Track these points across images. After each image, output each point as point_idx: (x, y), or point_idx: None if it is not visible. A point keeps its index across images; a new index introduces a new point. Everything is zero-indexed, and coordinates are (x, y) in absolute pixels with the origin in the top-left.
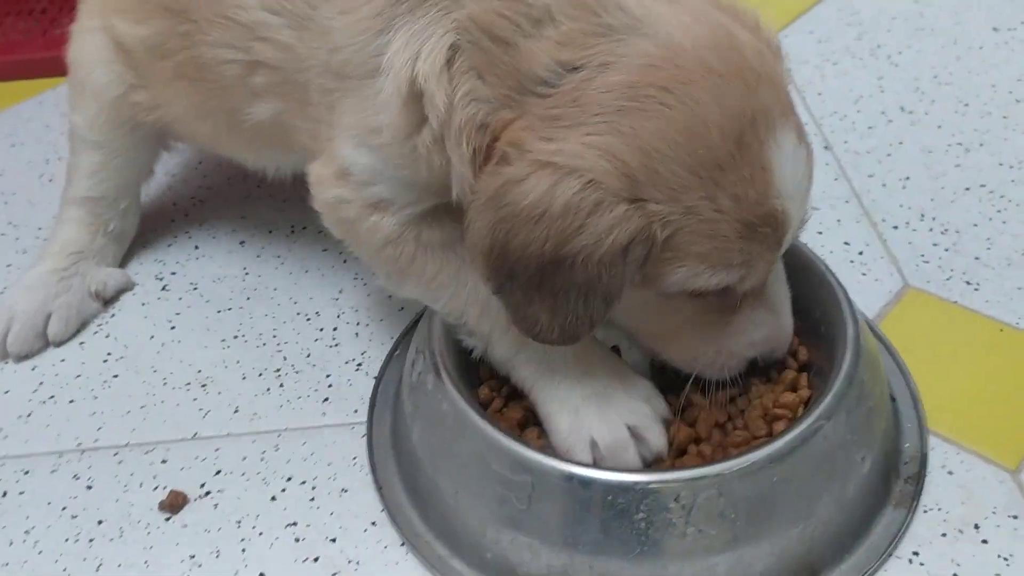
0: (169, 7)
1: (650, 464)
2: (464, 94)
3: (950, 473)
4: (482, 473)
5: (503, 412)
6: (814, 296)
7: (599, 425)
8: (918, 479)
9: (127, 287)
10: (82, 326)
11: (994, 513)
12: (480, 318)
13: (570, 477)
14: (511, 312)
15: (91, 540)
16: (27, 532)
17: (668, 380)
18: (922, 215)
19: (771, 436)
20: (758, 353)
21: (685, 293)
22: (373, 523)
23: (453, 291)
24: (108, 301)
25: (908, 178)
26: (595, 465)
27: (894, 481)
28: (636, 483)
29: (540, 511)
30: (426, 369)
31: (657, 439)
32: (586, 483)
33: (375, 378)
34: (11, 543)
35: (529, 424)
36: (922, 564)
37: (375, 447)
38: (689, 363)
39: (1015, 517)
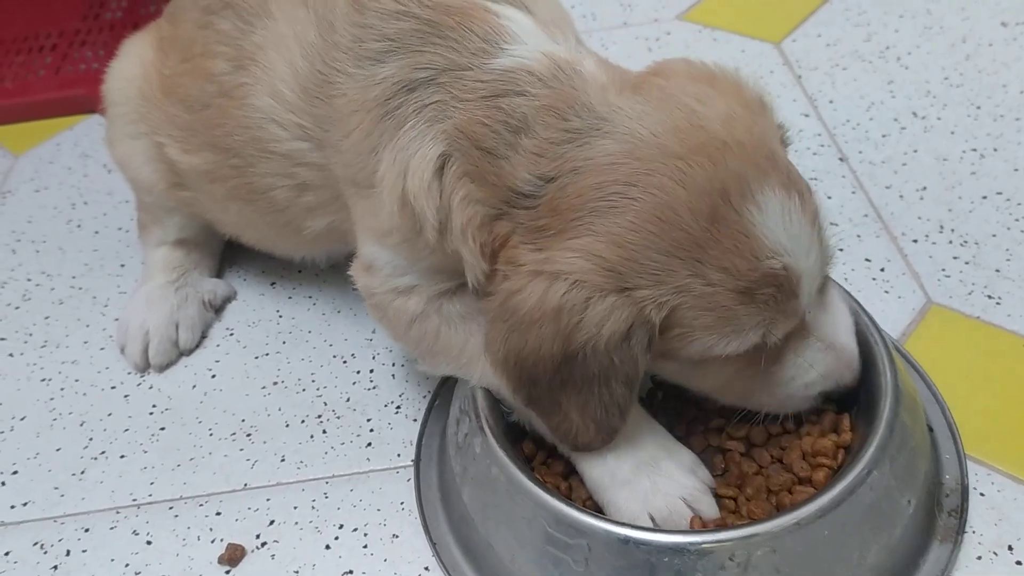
0: (217, 145)
1: None
2: (462, 198)
3: (982, 495)
4: (537, 535)
5: (549, 465)
6: None
7: (655, 499)
8: (961, 511)
9: (232, 296)
10: (205, 332)
11: None
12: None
13: (626, 540)
14: (546, 422)
15: None
16: None
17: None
18: (941, 227)
19: (812, 484)
20: (822, 389)
21: (713, 359)
22: (426, 568)
23: (484, 365)
24: (218, 310)
25: (925, 188)
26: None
27: (938, 515)
28: (692, 544)
29: (597, 571)
30: (472, 432)
31: (709, 509)
32: (642, 545)
33: (419, 429)
34: None
35: (573, 474)
36: None
37: (424, 503)
38: (749, 404)
39: None
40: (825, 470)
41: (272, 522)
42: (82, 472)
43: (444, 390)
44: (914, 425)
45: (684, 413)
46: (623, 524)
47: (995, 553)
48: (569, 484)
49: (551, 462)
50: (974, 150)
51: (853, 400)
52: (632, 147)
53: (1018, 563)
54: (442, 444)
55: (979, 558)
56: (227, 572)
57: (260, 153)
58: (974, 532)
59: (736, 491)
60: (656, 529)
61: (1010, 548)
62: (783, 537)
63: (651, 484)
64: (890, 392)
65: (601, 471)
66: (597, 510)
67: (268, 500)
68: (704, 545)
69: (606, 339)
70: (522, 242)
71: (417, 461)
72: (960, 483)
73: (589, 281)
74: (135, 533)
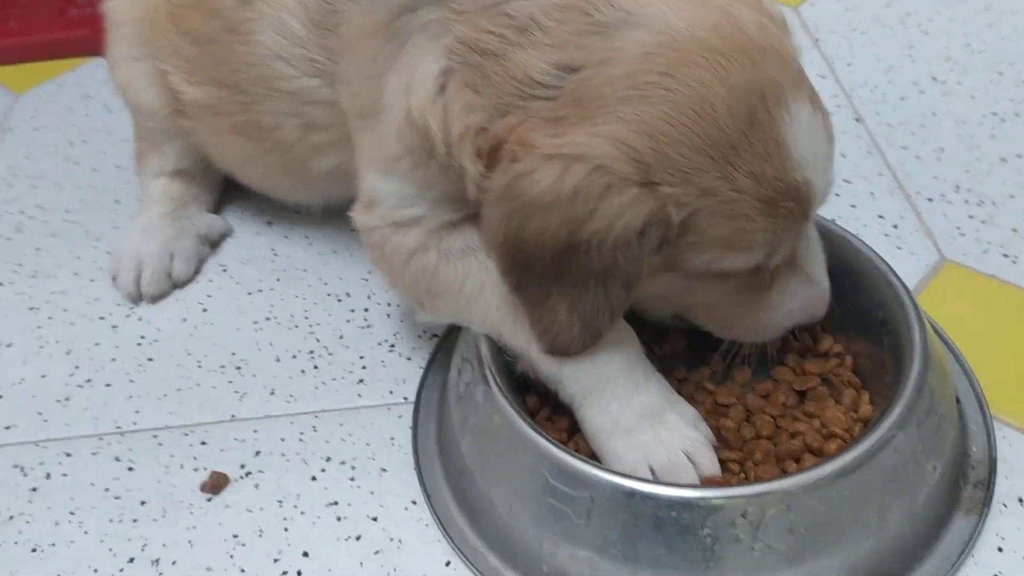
0: (222, 81)
1: None
2: (461, 107)
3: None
4: (538, 487)
5: (553, 420)
6: (876, 297)
7: (656, 448)
8: (988, 484)
9: (229, 232)
10: (200, 266)
11: None
12: (515, 335)
13: (632, 493)
14: (528, 312)
15: (135, 520)
16: (72, 513)
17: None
18: (957, 187)
19: (822, 455)
20: (796, 322)
21: (713, 274)
22: (413, 502)
23: (483, 306)
24: (214, 245)
25: (942, 150)
26: None
27: (963, 487)
28: (701, 499)
29: (599, 526)
30: (474, 380)
31: (711, 464)
32: (648, 498)
33: (418, 381)
34: (56, 524)
35: (578, 431)
36: None
37: (421, 456)
38: (725, 333)
39: None
40: (838, 441)
41: (258, 453)
42: (67, 399)
43: (447, 343)
44: (943, 390)
45: (674, 372)
46: (629, 477)
47: (1005, 505)
48: (575, 441)
49: (555, 418)
50: (994, 114)
51: (879, 370)
52: (669, 39)
53: None
54: (442, 396)
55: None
56: (208, 499)
57: (267, 91)
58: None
59: (740, 454)
60: (663, 483)
61: (1020, 500)
62: (799, 496)
63: (654, 434)
64: (919, 354)
65: (603, 418)
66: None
67: (255, 432)
68: (714, 500)
69: (617, 234)
70: (536, 128)
71: (416, 414)
72: (988, 456)
73: (614, 168)
74: (117, 459)
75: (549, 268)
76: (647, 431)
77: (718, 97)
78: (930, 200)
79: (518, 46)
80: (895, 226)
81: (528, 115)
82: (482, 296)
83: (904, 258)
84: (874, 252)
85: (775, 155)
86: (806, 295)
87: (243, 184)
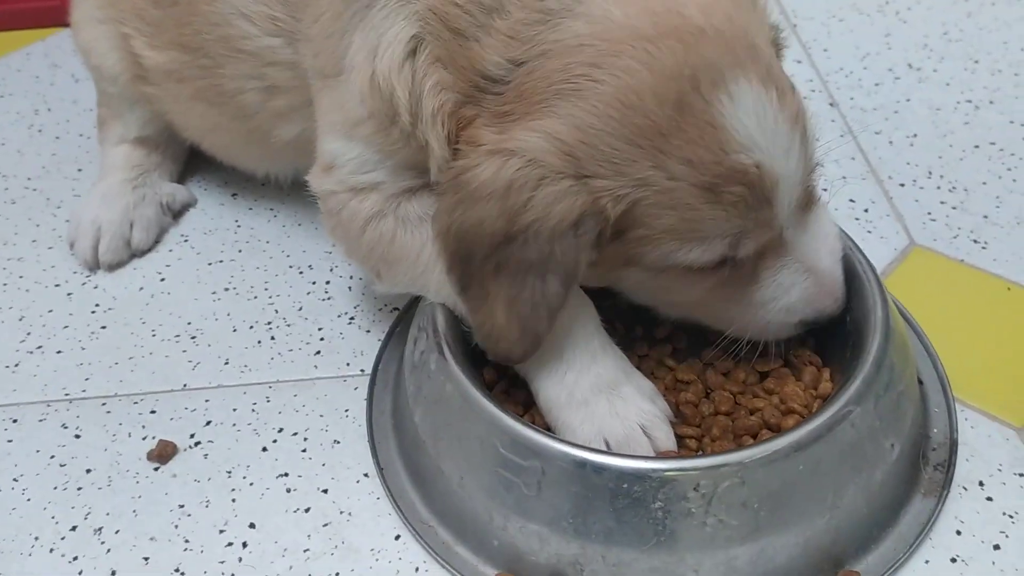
0: (185, 44)
1: None
2: (433, 84)
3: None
4: (489, 458)
5: (509, 394)
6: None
7: (611, 421)
8: (948, 466)
9: (191, 202)
10: (160, 235)
11: (999, 470)
12: None
13: (583, 463)
14: (472, 317)
15: (79, 489)
16: (15, 480)
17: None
18: (929, 173)
19: (779, 430)
20: (802, 316)
21: (681, 269)
22: (365, 474)
23: (440, 274)
24: (176, 214)
25: (916, 135)
26: None
27: (923, 468)
28: (653, 470)
29: (550, 498)
30: (429, 348)
31: (666, 438)
32: (600, 469)
33: (376, 354)
34: None
35: (534, 406)
36: None
37: (375, 429)
38: (727, 327)
39: (1020, 475)
40: (796, 417)
41: (209, 423)
42: (16, 365)
43: (408, 316)
44: (903, 368)
45: (635, 349)
46: (580, 447)
47: (964, 488)
48: (532, 415)
49: (512, 391)
50: (969, 101)
51: (842, 348)
52: (601, 28)
53: (988, 499)
54: (399, 368)
55: (946, 492)
56: (156, 469)
57: (229, 52)
58: None
59: (697, 430)
60: (615, 453)
61: (981, 484)
62: (754, 469)
63: (609, 406)
64: (879, 328)
65: (558, 389)
66: None
67: (207, 401)
68: (667, 472)
69: (552, 224)
70: (485, 124)
71: (371, 386)
72: (949, 438)
73: (545, 162)
74: (64, 427)
75: (489, 259)
76: (602, 403)
77: (643, 84)
78: (902, 185)
79: (482, 30)
80: (866, 210)
81: (481, 110)
82: (439, 263)
83: (874, 242)
84: (840, 230)
85: (710, 139)
86: (806, 288)
87: (209, 155)
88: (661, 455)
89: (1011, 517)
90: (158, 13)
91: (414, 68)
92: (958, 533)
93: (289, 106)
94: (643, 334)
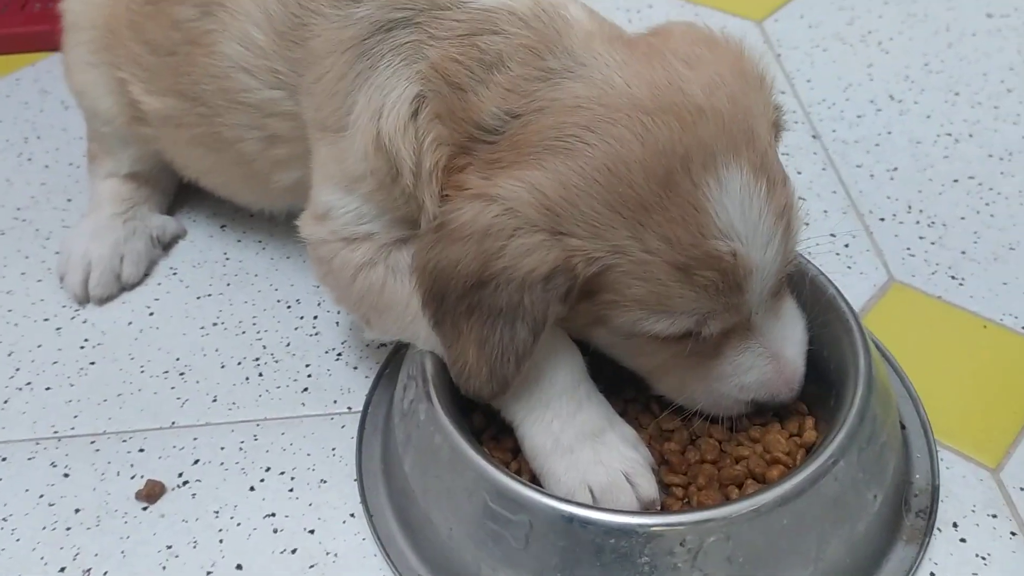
0: (183, 93)
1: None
2: (432, 140)
3: None
4: (477, 510)
5: (498, 440)
6: (822, 321)
7: (595, 468)
8: (930, 513)
9: (181, 234)
10: (150, 268)
11: (973, 511)
12: None
13: (570, 518)
14: (446, 351)
15: (68, 529)
16: (4, 519)
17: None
18: (909, 207)
19: (765, 481)
20: (755, 397)
21: (647, 336)
22: (352, 515)
23: (428, 326)
24: (166, 247)
25: (896, 169)
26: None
27: (905, 515)
28: (640, 526)
29: (538, 551)
30: (418, 397)
31: (649, 486)
32: (586, 524)
33: (365, 397)
34: None
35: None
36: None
37: (365, 475)
38: (681, 399)
39: (994, 516)
40: (780, 467)
41: (196, 461)
42: (4, 402)
43: (397, 357)
44: (885, 417)
45: (623, 393)
46: (568, 501)
47: (939, 529)
48: (519, 462)
49: (501, 437)
50: (949, 134)
51: (827, 396)
52: (601, 93)
53: (962, 540)
54: (388, 412)
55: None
56: (144, 508)
57: (229, 103)
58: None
59: (684, 478)
60: (603, 509)
61: (955, 525)
62: (739, 524)
63: (593, 454)
64: (863, 380)
65: (544, 437)
66: (536, 482)
67: (195, 439)
68: (654, 528)
69: (523, 275)
70: (475, 171)
71: (361, 430)
72: (931, 483)
73: (523, 212)
74: (53, 465)
75: (462, 300)
76: (587, 451)
77: (634, 156)
78: (882, 220)
79: (481, 84)
80: (846, 245)
81: (474, 158)
82: None
83: (854, 278)
84: (824, 276)
85: (692, 221)
86: (764, 372)
87: (207, 191)
88: (645, 504)
89: (983, 559)
90: (155, 60)
91: (416, 127)
92: (932, 575)
93: (290, 155)
94: (631, 376)
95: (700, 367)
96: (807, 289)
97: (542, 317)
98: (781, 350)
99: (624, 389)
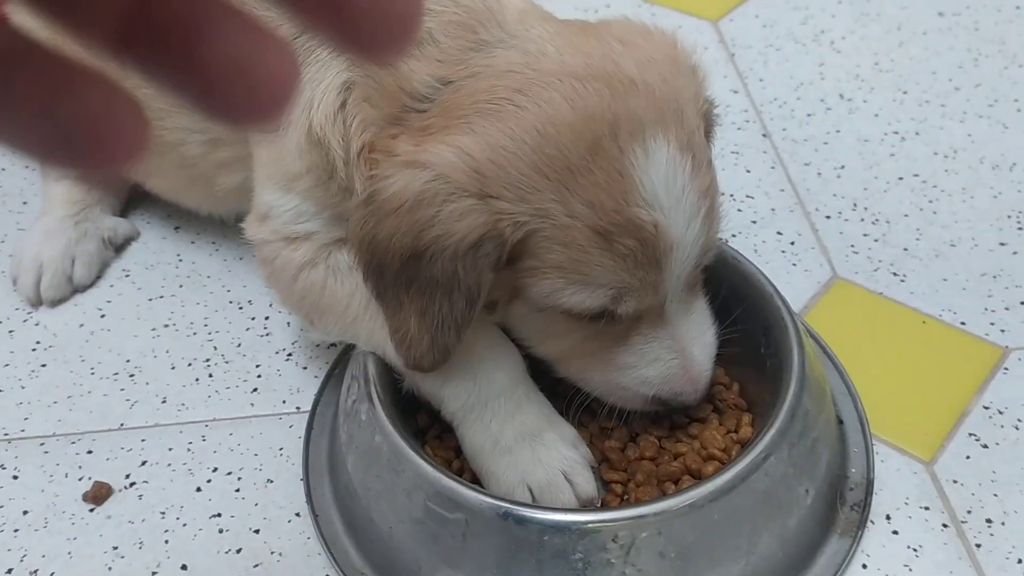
0: None
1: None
2: (359, 122)
3: None
4: (416, 509)
5: (441, 439)
6: (761, 320)
7: (534, 467)
8: (864, 506)
9: (134, 236)
10: (102, 270)
11: (906, 503)
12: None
13: (506, 515)
14: (388, 322)
15: (16, 530)
16: None
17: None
18: (855, 205)
19: (700, 477)
20: (656, 392)
21: (563, 313)
22: (297, 514)
23: (369, 324)
24: (118, 248)
25: (843, 167)
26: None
27: (840, 509)
28: (573, 523)
29: (475, 549)
30: (360, 397)
31: (588, 484)
32: (522, 521)
33: (314, 397)
34: None
35: None
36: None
37: (311, 474)
38: (583, 382)
39: (927, 508)
40: (715, 463)
41: (144, 463)
42: None
43: (346, 358)
44: (819, 413)
45: (563, 393)
46: (502, 499)
47: (872, 521)
48: (462, 460)
49: (445, 436)
50: (895, 133)
51: (763, 396)
52: (533, 60)
53: (894, 532)
54: (336, 412)
55: None
56: (91, 510)
57: (169, 106)
58: None
59: (624, 475)
60: (537, 506)
61: (887, 517)
62: (671, 520)
63: (532, 454)
64: (795, 378)
65: (483, 437)
66: (477, 482)
67: (143, 441)
68: (588, 524)
69: (455, 243)
70: (406, 139)
71: (309, 430)
72: (866, 477)
73: (452, 178)
74: (2, 467)
75: (400, 274)
76: (525, 451)
77: (563, 118)
78: (828, 217)
79: (413, 58)
80: (792, 243)
81: (406, 128)
82: (367, 313)
83: (799, 275)
84: (762, 274)
85: (615, 186)
86: (669, 367)
87: (154, 195)
88: (584, 503)
89: (915, 550)
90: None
91: (345, 115)
92: (864, 567)
93: (233, 157)
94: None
95: (606, 354)
96: (745, 286)
97: (476, 286)
98: (689, 348)
99: (565, 388)
